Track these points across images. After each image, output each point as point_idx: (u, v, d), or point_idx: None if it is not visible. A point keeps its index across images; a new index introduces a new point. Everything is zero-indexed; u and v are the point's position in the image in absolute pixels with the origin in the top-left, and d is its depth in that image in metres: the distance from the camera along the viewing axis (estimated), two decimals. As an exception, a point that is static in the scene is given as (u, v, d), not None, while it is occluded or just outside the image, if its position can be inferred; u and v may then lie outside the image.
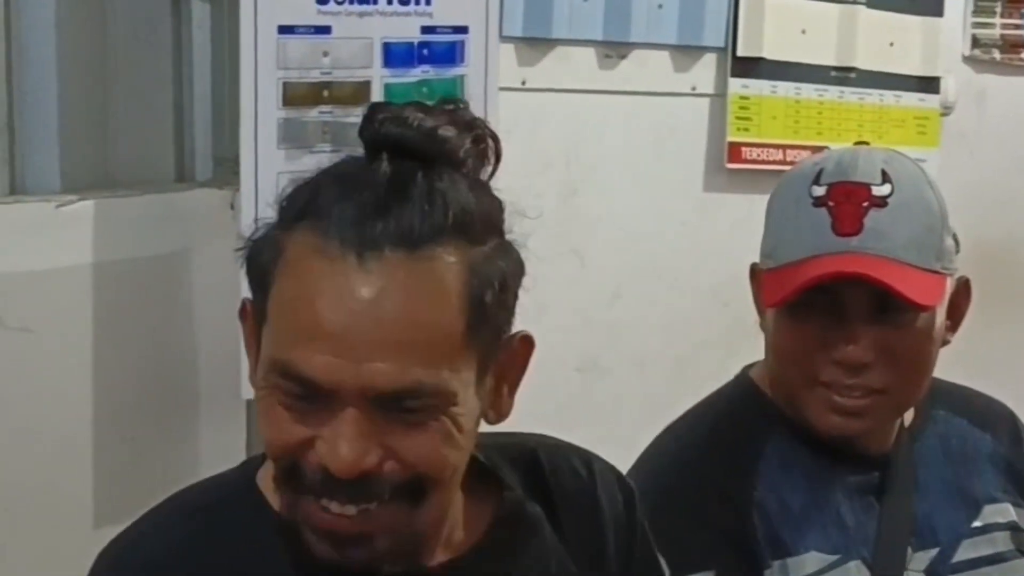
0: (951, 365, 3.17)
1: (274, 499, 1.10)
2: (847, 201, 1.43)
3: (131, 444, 1.99)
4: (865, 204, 1.43)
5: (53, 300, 1.87)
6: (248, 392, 1.95)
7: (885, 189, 1.44)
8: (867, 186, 1.44)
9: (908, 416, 1.57)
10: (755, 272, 1.52)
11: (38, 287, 1.86)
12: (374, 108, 1.08)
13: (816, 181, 1.46)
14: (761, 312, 1.51)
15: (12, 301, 1.84)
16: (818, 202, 1.44)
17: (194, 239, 2.01)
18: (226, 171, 2.04)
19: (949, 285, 1.48)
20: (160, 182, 2.05)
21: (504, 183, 2.21)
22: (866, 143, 1.64)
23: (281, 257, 1.04)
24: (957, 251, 1.49)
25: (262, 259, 1.06)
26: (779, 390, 1.53)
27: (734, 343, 2.51)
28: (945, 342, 1.51)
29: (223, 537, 1.13)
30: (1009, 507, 1.59)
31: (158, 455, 2.02)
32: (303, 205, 1.05)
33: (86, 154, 1.99)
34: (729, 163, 2.70)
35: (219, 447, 2.08)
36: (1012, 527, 1.58)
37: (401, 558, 1.09)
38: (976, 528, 1.56)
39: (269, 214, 1.88)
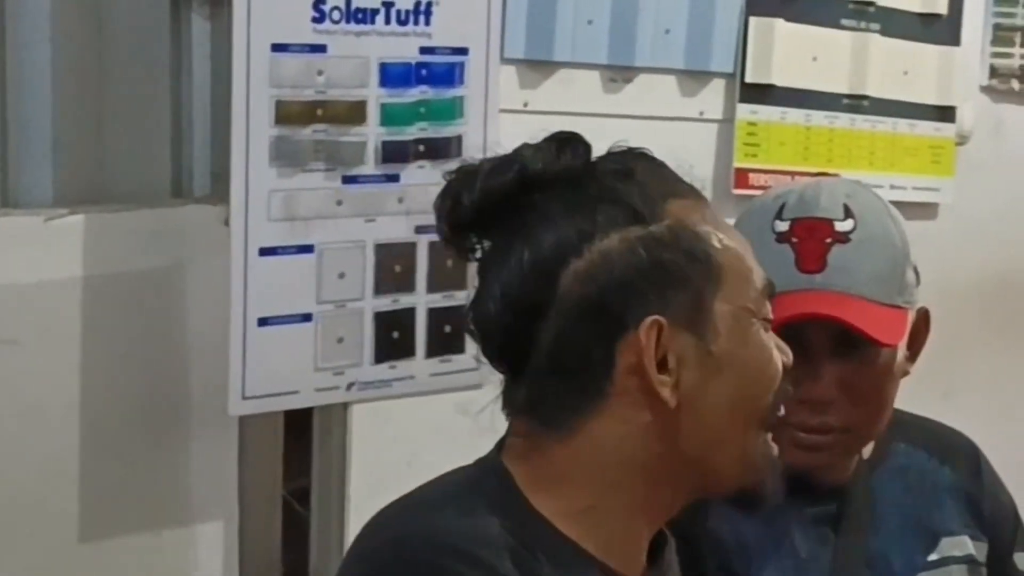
0: (970, 394, 3.17)
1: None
2: (810, 237, 1.44)
3: (120, 460, 1.99)
4: (828, 240, 1.44)
5: (42, 313, 1.88)
6: (236, 408, 1.97)
7: (848, 224, 1.45)
8: (830, 221, 1.45)
9: (867, 448, 1.57)
10: None
11: (26, 300, 1.87)
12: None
13: (779, 216, 1.47)
14: None
15: (0, 313, 1.84)
16: (781, 238, 1.45)
17: (187, 254, 2.01)
18: (223, 187, 2.04)
19: (910, 318, 1.47)
20: (155, 197, 2.05)
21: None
22: (827, 174, 1.64)
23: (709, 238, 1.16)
24: (917, 283, 1.49)
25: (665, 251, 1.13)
26: None
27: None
28: (905, 373, 1.51)
29: None
30: (967, 540, 1.59)
31: (147, 471, 2.02)
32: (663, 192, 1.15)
33: (80, 168, 1.99)
34: (736, 189, 2.69)
35: (209, 463, 2.08)
36: (969, 560, 1.58)
37: None
38: (932, 561, 1.56)
39: (260, 231, 1.90)
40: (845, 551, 1.50)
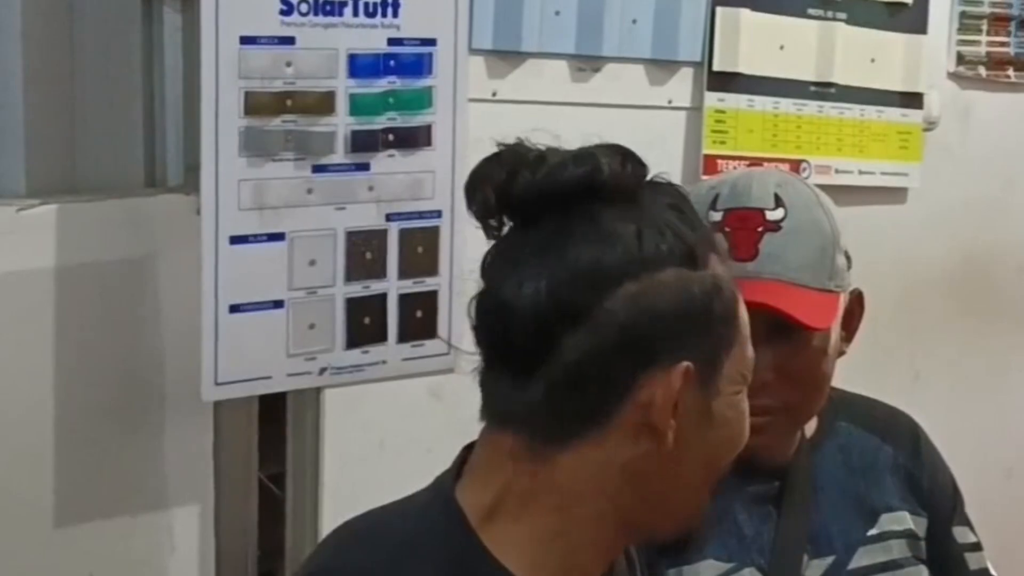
0: (938, 377, 3.20)
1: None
2: (742, 227, 1.49)
3: (95, 446, 2.01)
4: (760, 229, 1.48)
5: (14, 302, 1.91)
6: (209, 394, 2.00)
7: (778, 213, 1.49)
8: (761, 211, 1.50)
9: (810, 427, 1.62)
10: None
11: (-1, 289, 1.90)
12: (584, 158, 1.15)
13: (713, 206, 1.52)
14: None
15: (-27, 303, 1.88)
16: (715, 228, 1.50)
17: (160, 244, 2.04)
18: (196, 177, 2.07)
19: (842, 301, 1.52)
20: (128, 187, 2.08)
21: (474, 193, 2.23)
22: (760, 165, 1.69)
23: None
24: (849, 267, 1.53)
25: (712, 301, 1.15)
26: None
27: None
28: (841, 353, 1.56)
29: None
30: (906, 515, 1.64)
31: (122, 457, 2.05)
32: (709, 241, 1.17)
33: (53, 159, 2.02)
34: (705, 175, 2.72)
35: (185, 449, 2.11)
36: (909, 535, 1.63)
37: None
38: (872, 536, 1.61)
39: (231, 220, 1.93)
40: (787, 528, 1.55)
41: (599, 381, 1.11)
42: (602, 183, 1.12)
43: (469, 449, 1.22)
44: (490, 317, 1.15)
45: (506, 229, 1.16)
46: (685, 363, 1.11)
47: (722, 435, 1.17)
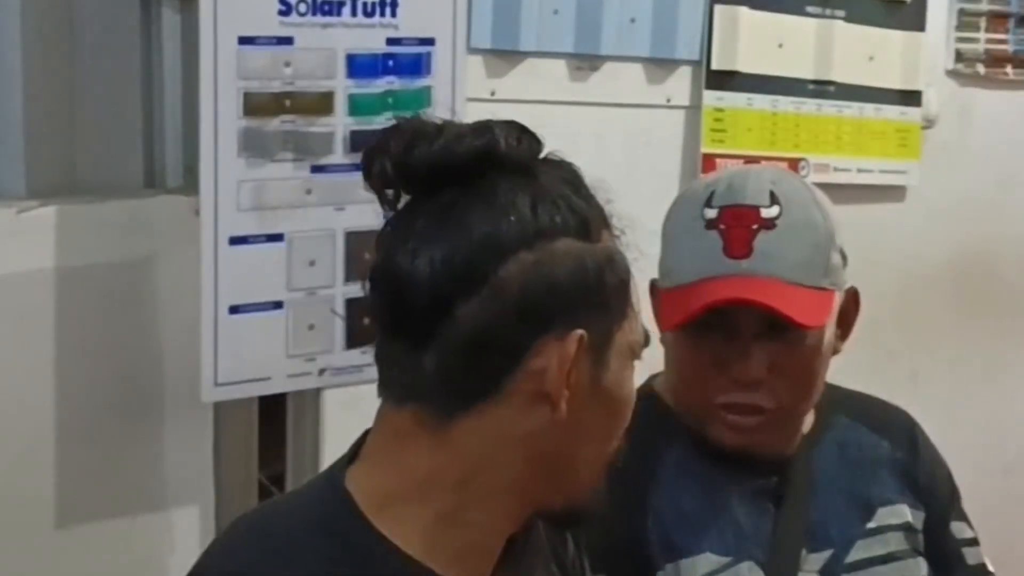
0: (937, 375, 3.21)
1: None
2: (737, 224, 1.48)
3: (96, 448, 2.01)
4: (755, 226, 1.48)
5: (15, 304, 1.91)
6: (209, 395, 2.00)
7: (773, 211, 1.49)
8: (756, 208, 1.49)
9: (807, 423, 1.62)
10: (654, 289, 1.56)
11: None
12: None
13: (708, 203, 1.51)
14: (661, 327, 1.55)
15: (-26, 304, 1.88)
16: (710, 225, 1.49)
17: (160, 245, 2.04)
18: (196, 178, 2.07)
19: (837, 299, 1.52)
20: (128, 189, 2.08)
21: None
22: (757, 162, 1.68)
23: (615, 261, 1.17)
24: (845, 265, 1.53)
25: (605, 273, 1.15)
26: (681, 403, 1.58)
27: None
28: (836, 351, 1.56)
29: None
30: (904, 508, 1.64)
31: (123, 458, 2.05)
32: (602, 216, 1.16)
33: (53, 161, 2.02)
34: (703, 174, 2.72)
35: (185, 450, 2.11)
36: (906, 528, 1.63)
37: None
38: (870, 529, 1.61)
39: (230, 220, 1.94)
40: (785, 523, 1.55)
41: (493, 350, 1.11)
42: (498, 155, 1.13)
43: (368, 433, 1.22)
44: (384, 288, 1.14)
45: (402, 202, 1.16)
46: (579, 331, 1.12)
47: (611, 410, 1.18)
